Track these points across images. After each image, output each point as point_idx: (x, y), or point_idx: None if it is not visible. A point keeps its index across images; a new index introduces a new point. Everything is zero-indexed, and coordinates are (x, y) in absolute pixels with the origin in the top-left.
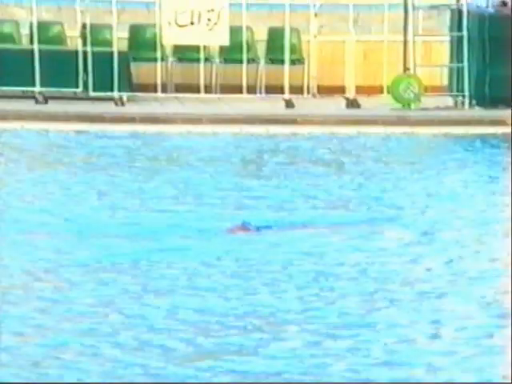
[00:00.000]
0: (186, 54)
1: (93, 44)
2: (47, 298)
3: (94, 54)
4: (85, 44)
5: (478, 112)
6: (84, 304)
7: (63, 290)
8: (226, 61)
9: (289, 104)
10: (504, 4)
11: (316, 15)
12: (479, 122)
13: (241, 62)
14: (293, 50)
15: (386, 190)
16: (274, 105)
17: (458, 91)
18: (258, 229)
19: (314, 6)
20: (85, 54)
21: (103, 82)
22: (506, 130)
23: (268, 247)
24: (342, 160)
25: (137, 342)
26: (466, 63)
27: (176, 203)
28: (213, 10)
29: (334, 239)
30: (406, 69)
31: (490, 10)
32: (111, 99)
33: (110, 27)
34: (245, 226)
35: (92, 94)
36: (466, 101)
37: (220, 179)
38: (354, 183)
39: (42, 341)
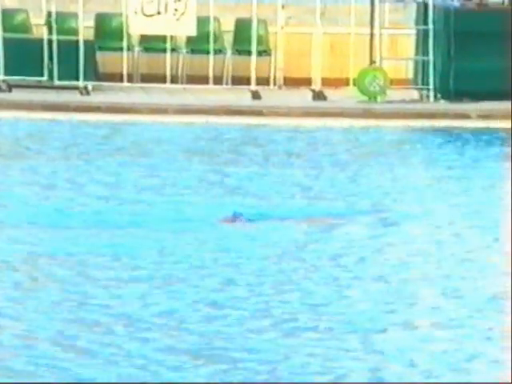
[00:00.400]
0: (152, 43)
1: (58, 32)
2: (21, 289)
3: (59, 42)
4: (50, 32)
5: (443, 105)
6: (60, 295)
7: (37, 281)
8: (192, 51)
9: (255, 95)
10: None
11: (283, 7)
12: (444, 115)
13: (207, 52)
14: (260, 41)
15: (362, 183)
16: (240, 96)
17: (423, 84)
18: (249, 220)
19: None
20: (50, 42)
21: (68, 71)
22: (471, 123)
23: (260, 238)
24: (308, 152)
25: (121, 337)
26: (431, 57)
27: (152, 194)
28: (180, 0)
29: (319, 230)
30: (372, 62)
31: (456, 3)
32: (76, 88)
33: (75, 16)
34: (236, 217)
35: (57, 82)
36: (431, 94)
37: (190, 169)
38: (322, 175)
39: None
